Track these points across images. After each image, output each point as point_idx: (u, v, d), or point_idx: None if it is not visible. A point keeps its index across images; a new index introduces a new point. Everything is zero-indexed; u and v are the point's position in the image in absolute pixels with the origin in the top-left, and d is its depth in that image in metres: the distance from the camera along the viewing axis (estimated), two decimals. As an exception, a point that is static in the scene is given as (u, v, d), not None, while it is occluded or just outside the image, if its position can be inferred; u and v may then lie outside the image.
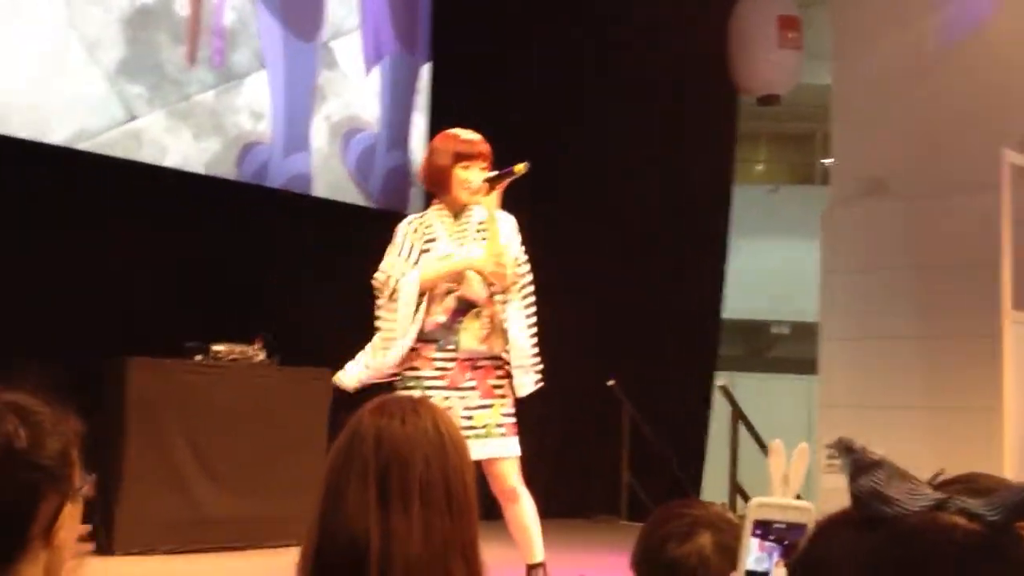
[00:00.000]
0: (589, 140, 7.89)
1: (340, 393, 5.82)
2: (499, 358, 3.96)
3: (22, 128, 5.53)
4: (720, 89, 8.49)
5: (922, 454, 6.68)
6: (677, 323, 8.35)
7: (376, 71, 7.14)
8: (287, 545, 5.27)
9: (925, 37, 7.11)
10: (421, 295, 3.90)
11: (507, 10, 7.65)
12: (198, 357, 5.64)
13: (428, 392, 3.83)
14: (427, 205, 4.36)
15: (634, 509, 7.51)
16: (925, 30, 7.12)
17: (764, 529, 1.23)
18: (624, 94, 7.98)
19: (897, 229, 7.25)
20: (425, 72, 7.40)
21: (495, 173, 3.98)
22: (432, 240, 3.99)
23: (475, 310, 3.93)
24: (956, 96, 6.95)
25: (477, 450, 3.73)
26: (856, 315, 7.39)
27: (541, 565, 3.97)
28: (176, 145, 6.12)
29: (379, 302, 3.99)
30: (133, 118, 5.94)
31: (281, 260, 6.49)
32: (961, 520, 0.84)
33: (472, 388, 3.91)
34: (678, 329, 8.36)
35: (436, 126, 7.28)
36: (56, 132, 5.66)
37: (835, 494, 0.92)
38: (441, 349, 3.91)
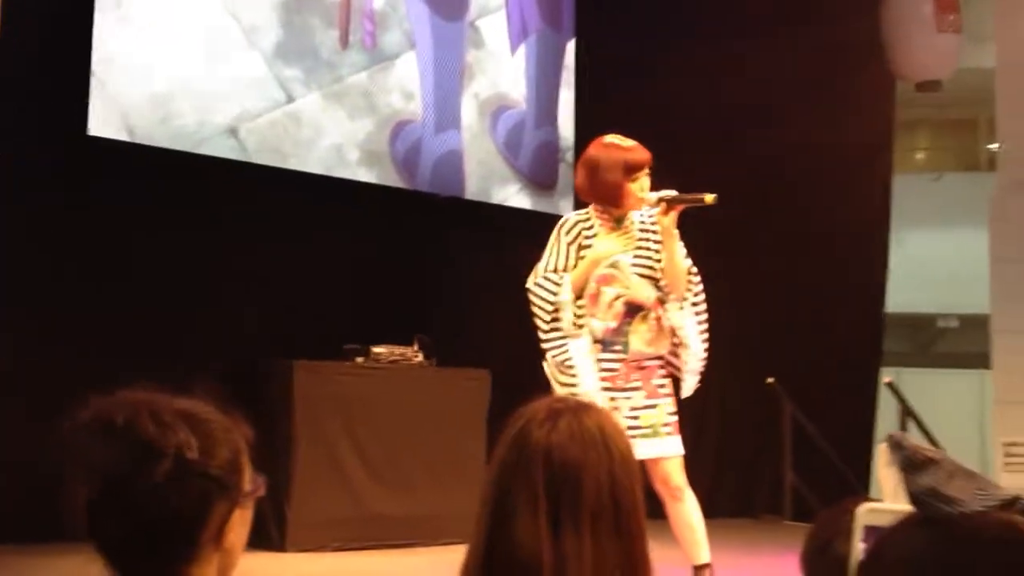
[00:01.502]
0: (740, 130, 7.74)
1: (498, 393, 5.91)
2: (662, 358, 3.97)
3: (190, 113, 5.71)
4: (877, 76, 8.23)
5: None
6: (839, 318, 8.13)
7: (522, 49, 7.20)
8: (447, 543, 5.34)
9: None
10: (578, 297, 3.91)
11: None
12: (359, 359, 5.77)
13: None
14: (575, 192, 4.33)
15: (799, 508, 7.35)
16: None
17: (872, 535, 1.20)
18: (777, 83, 7.82)
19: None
20: (570, 48, 7.42)
21: (676, 195, 3.92)
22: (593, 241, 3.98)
23: (643, 312, 3.93)
24: None
25: (644, 450, 3.74)
26: (1030, 305, 7.08)
27: (707, 566, 3.92)
28: (332, 125, 6.26)
29: (540, 322, 3.95)
30: (291, 100, 6.10)
31: (438, 262, 6.58)
32: None
33: (637, 388, 3.92)
34: (840, 324, 8.14)
35: (583, 102, 7.30)
36: (220, 114, 5.82)
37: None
38: (608, 350, 3.91)
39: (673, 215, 3.90)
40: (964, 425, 11.05)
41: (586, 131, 4.16)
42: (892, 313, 9.21)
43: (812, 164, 7.98)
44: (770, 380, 7.56)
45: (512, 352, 6.46)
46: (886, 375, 8.35)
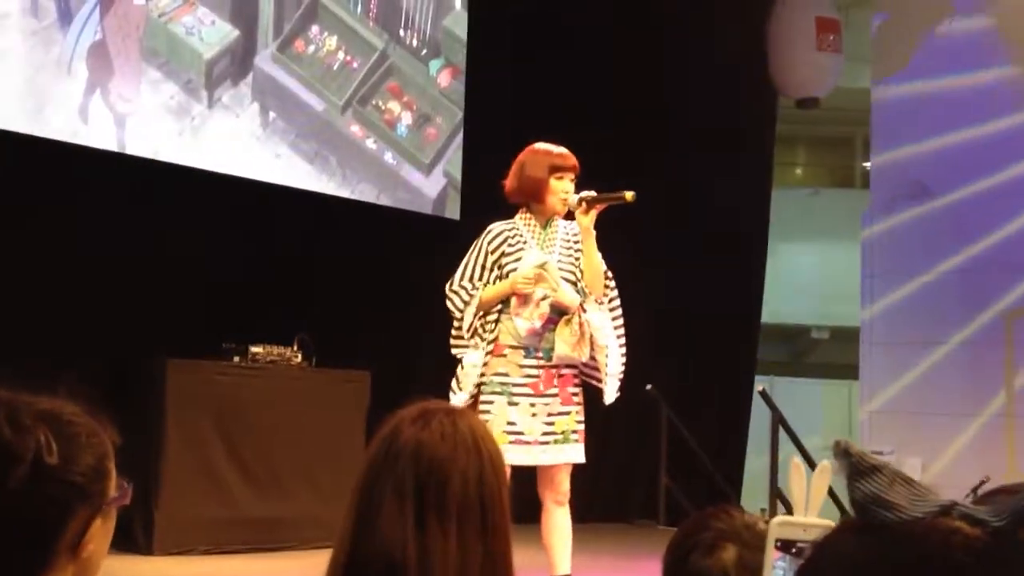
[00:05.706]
0: (625, 143, 7.83)
1: (377, 395, 5.85)
2: (577, 366, 4.03)
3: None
4: (759, 92, 8.41)
5: (967, 461, 6.58)
6: (716, 327, 8.28)
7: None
8: (323, 547, 5.26)
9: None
10: (486, 314, 4.01)
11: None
12: (236, 358, 5.64)
13: (515, 399, 3.91)
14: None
15: (672, 514, 7.44)
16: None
17: (787, 547, 1.21)
18: (661, 96, 7.92)
19: (940, 232, 7.17)
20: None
21: (595, 194, 4.01)
22: (522, 248, 4.04)
23: (566, 316, 3.98)
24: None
25: (554, 455, 3.91)
26: (897, 319, 7.31)
27: (567, 579, 3.98)
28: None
29: (455, 326, 4.06)
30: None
31: (320, 263, 6.49)
32: (964, 525, 0.80)
33: (555, 395, 3.97)
34: (717, 333, 8.29)
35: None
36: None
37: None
38: (531, 356, 3.97)
39: (593, 214, 4.01)
40: (833, 433, 11.36)
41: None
42: (767, 323, 9.43)
43: (693, 175, 8.11)
44: (649, 386, 7.65)
45: (393, 354, 6.42)
46: (759, 383, 8.53)
